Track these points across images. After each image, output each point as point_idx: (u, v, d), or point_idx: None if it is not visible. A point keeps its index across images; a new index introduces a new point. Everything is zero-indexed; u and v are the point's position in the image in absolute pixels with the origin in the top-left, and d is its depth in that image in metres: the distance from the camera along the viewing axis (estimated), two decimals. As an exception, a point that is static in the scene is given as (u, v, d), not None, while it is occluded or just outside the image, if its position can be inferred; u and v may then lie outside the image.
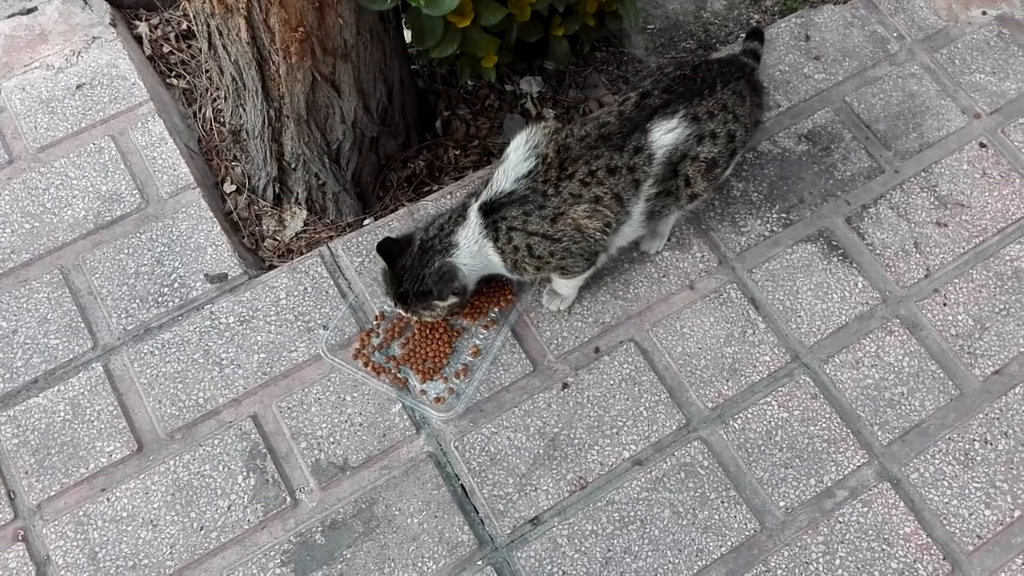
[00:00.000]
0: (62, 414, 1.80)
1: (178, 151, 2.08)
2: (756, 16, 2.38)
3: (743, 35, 2.11)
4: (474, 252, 1.69)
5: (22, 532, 1.70)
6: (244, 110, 1.94)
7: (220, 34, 1.75)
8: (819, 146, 2.09)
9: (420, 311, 1.74)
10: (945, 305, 1.91)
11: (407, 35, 2.03)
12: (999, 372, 1.84)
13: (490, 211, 1.67)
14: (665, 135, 1.68)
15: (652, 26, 2.38)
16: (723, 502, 1.72)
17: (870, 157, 2.08)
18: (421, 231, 1.74)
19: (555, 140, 1.69)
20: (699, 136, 1.69)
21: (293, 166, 1.99)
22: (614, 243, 1.77)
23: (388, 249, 1.72)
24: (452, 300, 1.71)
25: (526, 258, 1.69)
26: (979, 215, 2.01)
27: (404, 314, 1.79)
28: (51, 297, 1.91)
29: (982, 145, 2.09)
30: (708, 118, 1.70)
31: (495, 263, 1.72)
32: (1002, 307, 1.91)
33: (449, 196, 2.03)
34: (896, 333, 1.88)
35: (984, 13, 2.28)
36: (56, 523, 1.70)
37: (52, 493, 1.73)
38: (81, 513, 1.71)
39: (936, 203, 2.02)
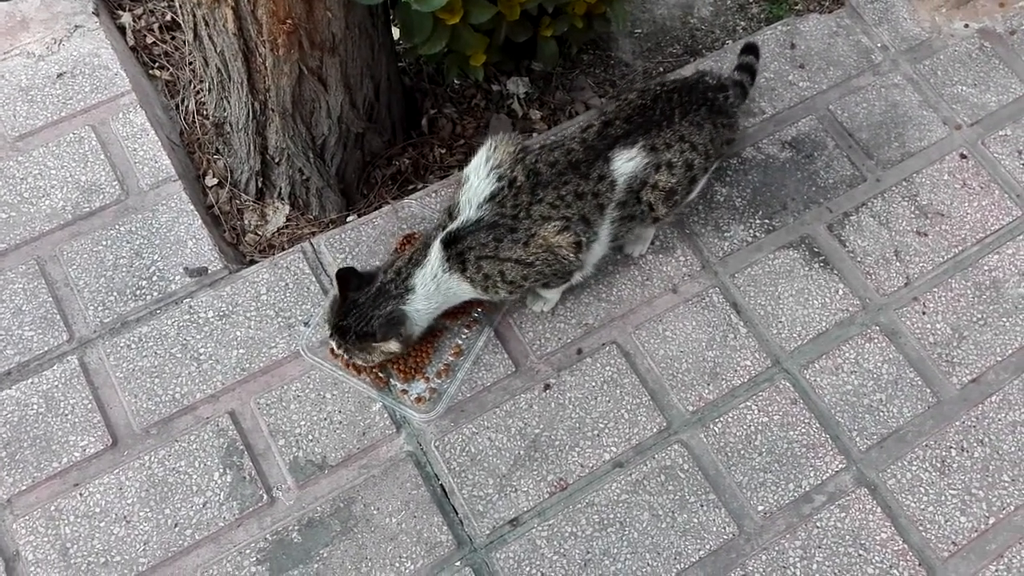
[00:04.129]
0: (35, 407, 1.77)
1: (160, 143, 2.05)
2: (742, 23, 2.40)
3: (738, 47, 2.12)
4: (431, 292, 1.67)
5: (-9, 527, 1.67)
6: (228, 103, 1.92)
7: (206, 24, 1.73)
8: (802, 153, 2.11)
9: (355, 351, 1.70)
10: (924, 313, 1.93)
11: (395, 31, 2.02)
12: (976, 380, 1.86)
13: (455, 241, 1.64)
14: (625, 163, 1.70)
15: (639, 30, 2.39)
16: (702, 505, 1.72)
17: (852, 165, 2.10)
18: (381, 272, 1.70)
19: (523, 163, 1.68)
20: (656, 165, 1.72)
21: (277, 160, 1.97)
22: (588, 261, 1.77)
23: (346, 279, 1.69)
24: (394, 347, 1.69)
25: (498, 283, 1.68)
26: (959, 225, 2.03)
27: (335, 349, 1.74)
28: (26, 288, 1.88)
29: (963, 156, 2.12)
30: (665, 148, 1.73)
31: (461, 292, 1.70)
32: (980, 316, 1.93)
33: (434, 195, 2.02)
34: (875, 340, 1.89)
35: (967, 26, 2.31)
36: (27, 518, 1.67)
37: (23, 487, 1.70)
38: (53, 508, 1.68)
39: (917, 212, 2.04)
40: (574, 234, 1.66)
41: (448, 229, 1.66)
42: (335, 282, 1.69)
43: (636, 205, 1.74)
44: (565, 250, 1.66)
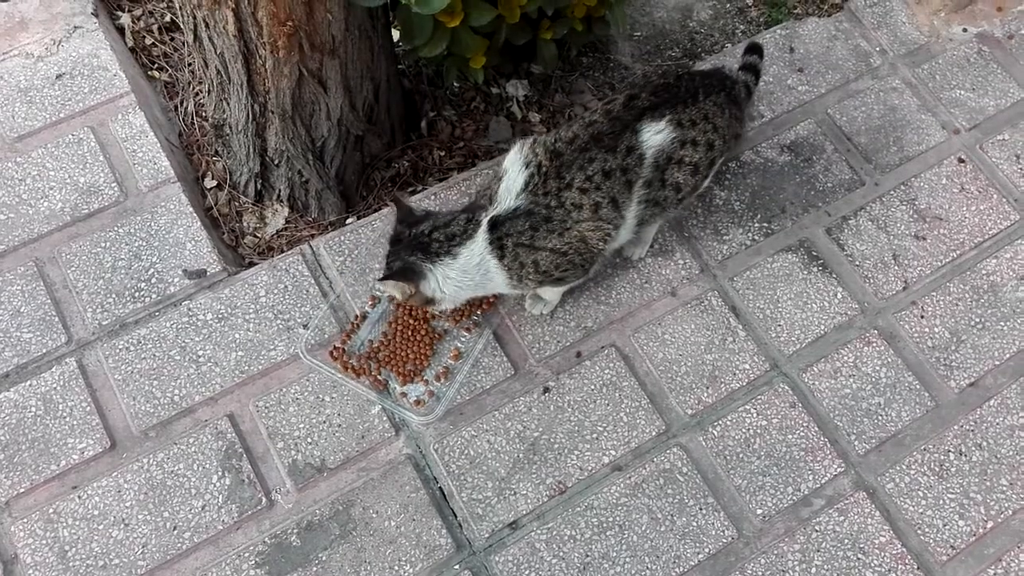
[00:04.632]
0: (33, 409, 1.76)
1: (159, 144, 2.05)
2: (742, 27, 2.40)
3: (738, 50, 2.12)
4: (470, 267, 1.65)
5: (-11, 529, 1.66)
6: (228, 104, 1.92)
7: (206, 26, 1.73)
8: (801, 157, 2.11)
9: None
10: (922, 317, 1.93)
11: (395, 33, 2.02)
12: (974, 384, 1.87)
13: (496, 226, 1.64)
14: (654, 136, 1.68)
15: (639, 33, 2.39)
16: (701, 509, 1.72)
17: (851, 169, 2.10)
18: (431, 223, 1.68)
19: (544, 145, 1.67)
20: (682, 141, 1.70)
21: (276, 162, 1.97)
22: (611, 247, 1.77)
23: (399, 203, 1.72)
24: (395, 293, 1.67)
25: (531, 273, 1.68)
26: (957, 229, 2.03)
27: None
28: (25, 290, 1.87)
29: (961, 160, 2.12)
30: (691, 125, 1.71)
31: (497, 281, 1.69)
32: (978, 320, 1.93)
33: (433, 197, 2.02)
34: (874, 344, 1.90)
35: (965, 30, 2.32)
36: (25, 521, 1.67)
37: (21, 490, 1.69)
38: (51, 511, 1.68)
39: (915, 216, 2.05)
40: (604, 231, 1.67)
41: (492, 214, 1.65)
42: (393, 205, 1.71)
43: (661, 189, 1.72)
44: (595, 240, 1.67)
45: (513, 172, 1.66)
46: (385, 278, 1.66)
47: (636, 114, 1.69)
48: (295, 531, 1.68)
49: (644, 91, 1.74)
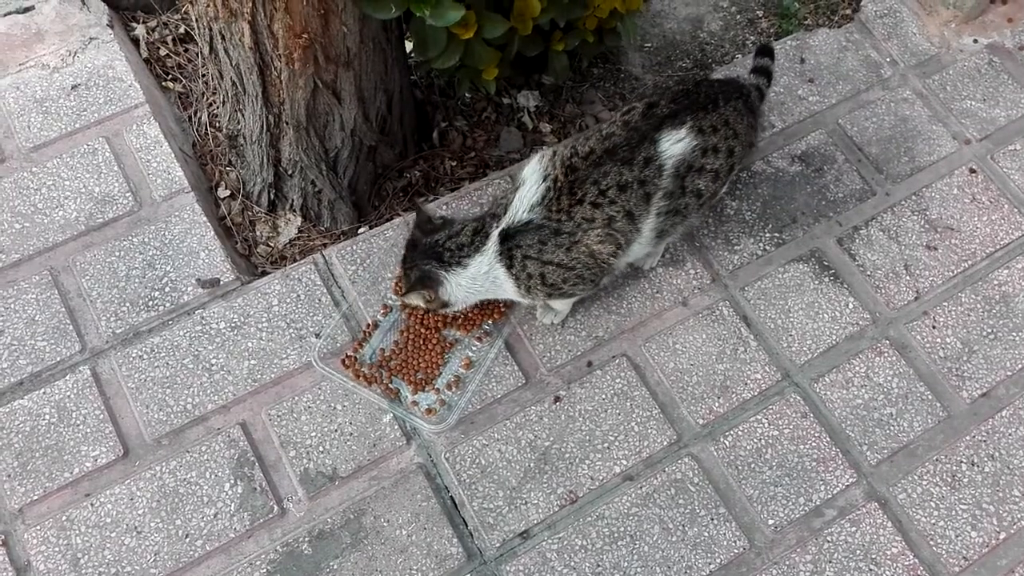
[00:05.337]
0: (47, 417, 1.77)
1: (173, 155, 2.06)
2: (752, 38, 2.41)
3: (748, 60, 2.12)
4: (479, 274, 1.67)
5: (2, 537, 1.67)
6: (242, 115, 1.93)
7: (222, 38, 1.74)
8: (812, 167, 2.12)
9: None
10: (934, 328, 1.93)
11: (408, 45, 2.04)
12: (986, 395, 1.86)
13: (507, 238, 1.65)
14: (674, 145, 1.67)
15: (649, 44, 2.40)
16: (712, 519, 1.72)
17: (862, 179, 2.10)
18: (445, 232, 1.71)
19: (562, 158, 1.68)
20: (704, 149, 1.70)
21: (290, 172, 1.98)
22: (622, 262, 1.77)
23: (419, 209, 1.75)
24: (417, 301, 1.73)
25: (539, 285, 1.69)
26: (968, 239, 2.03)
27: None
28: (39, 298, 1.89)
29: (972, 171, 2.12)
30: (712, 132, 1.71)
31: (506, 289, 1.71)
32: (990, 331, 1.93)
33: (445, 207, 2.03)
34: (886, 354, 1.89)
35: (975, 41, 2.32)
36: (38, 528, 1.68)
37: (35, 497, 1.70)
38: (64, 518, 1.69)
39: (926, 226, 2.05)
40: (614, 244, 1.67)
41: (503, 226, 1.66)
42: (415, 213, 1.75)
43: (682, 197, 1.71)
44: (605, 255, 1.68)
45: (530, 183, 1.67)
46: (408, 291, 1.70)
47: (655, 123, 1.68)
48: (307, 539, 1.68)
49: (663, 98, 1.73)
